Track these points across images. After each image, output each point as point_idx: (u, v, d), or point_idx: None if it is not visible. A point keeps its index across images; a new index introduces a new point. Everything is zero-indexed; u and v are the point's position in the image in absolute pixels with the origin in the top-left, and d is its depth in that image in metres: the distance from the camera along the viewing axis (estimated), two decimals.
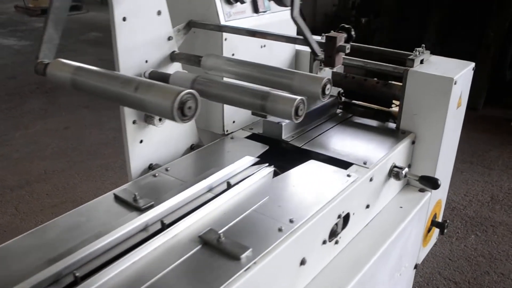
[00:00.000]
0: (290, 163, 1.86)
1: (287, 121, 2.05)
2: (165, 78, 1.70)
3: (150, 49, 1.76)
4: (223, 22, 1.94)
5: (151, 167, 1.89)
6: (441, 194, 2.43)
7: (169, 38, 1.82)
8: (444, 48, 5.72)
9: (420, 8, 6.14)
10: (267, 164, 1.82)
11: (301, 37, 1.64)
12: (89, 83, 1.42)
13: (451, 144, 2.28)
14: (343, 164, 1.85)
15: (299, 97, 1.42)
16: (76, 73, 1.46)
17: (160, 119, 1.82)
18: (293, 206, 1.56)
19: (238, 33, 1.85)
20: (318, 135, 2.10)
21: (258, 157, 1.89)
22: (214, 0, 1.91)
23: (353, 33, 1.61)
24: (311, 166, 1.83)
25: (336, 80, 2.39)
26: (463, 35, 5.89)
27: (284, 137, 2.04)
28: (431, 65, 2.13)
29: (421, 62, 2.13)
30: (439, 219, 2.50)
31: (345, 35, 1.58)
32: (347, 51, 1.56)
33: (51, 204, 4.21)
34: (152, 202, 1.56)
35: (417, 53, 2.11)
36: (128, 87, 1.31)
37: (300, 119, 1.44)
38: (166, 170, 1.81)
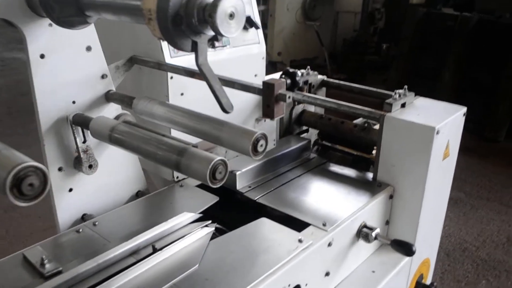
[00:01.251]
0: (239, 219, 1.62)
1: (244, 168, 1.82)
2: (86, 122, 1.49)
3: (77, 89, 1.56)
4: (168, 58, 1.72)
5: (84, 218, 1.68)
6: (428, 253, 2.12)
7: (103, 76, 1.61)
8: (464, 78, 5.36)
9: (441, 37, 5.81)
10: (209, 222, 1.58)
11: (242, 80, 1.41)
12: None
13: (439, 198, 1.99)
14: (300, 225, 1.59)
15: (218, 157, 1.18)
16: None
17: (90, 166, 1.61)
18: (224, 280, 1.31)
19: (177, 73, 1.63)
20: (281, 185, 1.84)
21: (205, 210, 1.65)
22: None
23: (298, 78, 1.37)
24: (260, 226, 1.58)
25: (311, 120, 2.15)
26: (483, 66, 5.51)
27: (239, 187, 1.80)
28: (413, 110, 1.85)
29: (403, 105, 1.86)
30: (427, 281, 2.18)
31: (285, 81, 1.34)
32: (289, 100, 1.32)
33: (42, 227, 4.07)
34: (60, 268, 1.34)
35: (397, 95, 1.84)
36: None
37: (219, 184, 1.20)
38: (94, 224, 1.59)
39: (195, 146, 1.26)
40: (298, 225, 1.60)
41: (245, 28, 1.96)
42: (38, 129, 1.53)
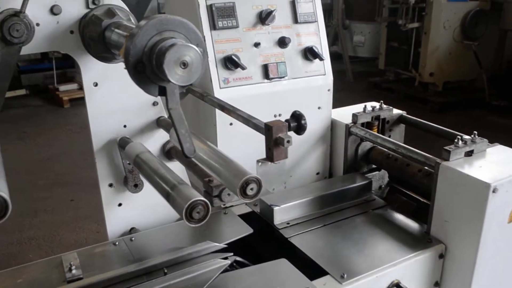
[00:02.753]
0: (271, 253, 1.62)
1: (284, 204, 1.79)
2: (124, 147, 1.63)
3: (129, 114, 1.71)
4: (217, 89, 1.78)
5: (132, 232, 1.83)
6: None
7: (155, 104, 1.74)
8: None
9: None
10: (230, 254, 1.60)
11: (255, 118, 1.40)
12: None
13: (504, 266, 1.70)
14: (321, 271, 1.52)
15: (198, 197, 1.20)
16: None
17: (135, 185, 1.75)
18: None
19: (212, 105, 1.67)
20: (322, 226, 1.77)
21: (236, 240, 1.68)
22: (208, 65, 1.77)
23: (304, 121, 1.30)
24: (277, 266, 1.55)
25: (378, 159, 2.01)
26: None
27: (276, 222, 1.78)
28: (479, 160, 1.62)
29: (469, 154, 1.64)
30: None
31: (286, 124, 1.29)
32: (288, 145, 1.27)
33: None
34: (81, 276, 1.50)
35: (459, 142, 1.63)
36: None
37: (197, 224, 1.21)
38: (131, 240, 1.72)
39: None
40: (319, 271, 1.52)
41: (308, 59, 1.93)
42: (92, 148, 1.72)
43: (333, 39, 9.03)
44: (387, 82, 7.75)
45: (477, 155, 1.65)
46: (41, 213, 4.47)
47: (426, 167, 1.77)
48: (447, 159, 1.60)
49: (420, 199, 1.90)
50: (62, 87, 7.62)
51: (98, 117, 1.67)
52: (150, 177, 1.43)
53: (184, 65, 1.00)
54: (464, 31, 6.86)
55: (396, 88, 7.48)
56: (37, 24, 1.48)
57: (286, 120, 1.31)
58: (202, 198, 1.21)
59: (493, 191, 1.47)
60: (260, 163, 1.41)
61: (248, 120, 1.41)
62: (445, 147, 1.62)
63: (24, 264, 1.61)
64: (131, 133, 1.73)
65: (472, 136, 1.67)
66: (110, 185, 1.75)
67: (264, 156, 1.33)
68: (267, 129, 1.29)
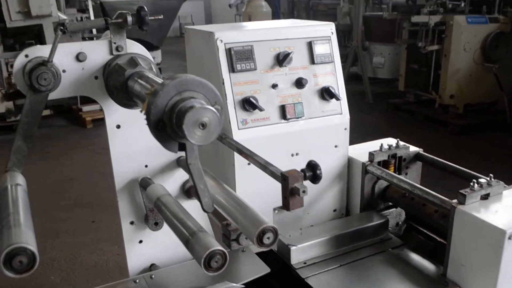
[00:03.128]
0: None
1: (301, 244, 1.81)
2: (145, 187, 1.68)
3: (150, 155, 1.76)
4: (235, 130, 1.82)
5: (151, 268, 1.87)
6: None
7: None
8: None
9: None
10: None
11: (272, 165, 1.44)
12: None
13: None
14: None
15: (217, 247, 1.23)
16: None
17: (156, 224, 1.79)
18: None
19: (230, 147, 1.71)
20: (339, 266, 1.78)
21: (253, 280, 1.70)
22: (227, 107, 1.82)
23: (319, 171, 1.33)
24: None
25: (394, 197, 2.02)
26: None
27: (293, 262, 1.80)
28: (495, 204, 1.63)
29: (485, 197, 1.64)
30: None
31: (302, 174, 1.31)
32: (303, 194, 1.30)
33: None
34: None
35: (475, 185, 1.64)
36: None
37: (214, 273, 1.24)
38: (151, 277, 1.76)
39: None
40: None
41: (325, 99, 1.96)
42: (114, 188, 1.77)
43: (352, 60, 9.06)
44: (407, 104, 7.72)
45: (493, 198, 1.65)
46: (62, 234, 4.55)
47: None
48: (463, 203, 1.61)
49: (437, 238, 1.90)
50: (85, 108, 7.77)
51: (120, 157, 1.72)
52: (170, 221, 1.47)
53: (203, 126, 1.04)
54: (484, 53, 6.83)
55: (416, 110, 7.45)
56: (64, 71, 1.54)
57: (302, 170, 1.34)
58: (221, 248, 1.24)
59: (509, 238, 1.47)
60: (276, 211, 1.43)
61: (265, 167, 1.45)
62: (461, 191, 1.63)
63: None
64: (152, 172, 1.78)
65: (489, 179, 1.67)
66: (131, 222, 1.80)
67: (281, 198, 1.36)
68: (283, 179, 1.32)
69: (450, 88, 6.96)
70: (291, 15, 11.73)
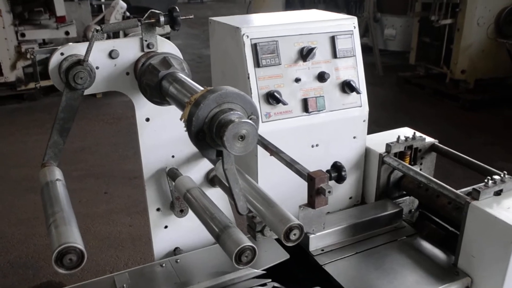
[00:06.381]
0: (299, 282, 1.73)
1: (320, 232, 1.90)
2: (175, 178, 1.76)
3: (177, 146, 1.84)
4: (259, 123, 1.88)
5: (175, 252, 1.98)
6: None
7: None
8: None
9: None
10: (269, 280, 1.73)
11: (298, 164, 1.51)
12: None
13: None
14: None
15: (247, 243, 1.32)
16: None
17: (181, 211, 1.89)
18: None
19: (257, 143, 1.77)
20: (355, 254, 1.88)
21: (273, 266, 1.81)
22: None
23: (344, 173, 1.41)
24: None
25: (409, 187, 2.10)
26: None
27: (311, 249, 1.90)
28: (506, 200, 1.70)
29: (498, 193, 1.72)
30: None
31: (328, 175, 1.39)
32: (329, 194, 1.38)
33: None
34: None
35: (489, 181, 1.71)
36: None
37: (244, 267, 1.34)
38: (176, 261, 1.86)
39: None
40: None
41: (346, 92, 2.02)
42: (142, 176, 1.86)
43: (363, 31, 8.99)
44: (418, 78, 7.72)
45: (506, 194, 1.73)
46: (75, 205, 4.63)
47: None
48: (477, 199, 1.69)
49: (449, 228, 1.99)
50: None
51: (149, 148, 1.80)
52: (200, 215, 1.55)
53: (242, 138, 1.11)
54: (498, 28, 6.77)
55: (426, 84, 7.45)
56: (97, 67, 1.61)
57: (327, 171, 1.42)
58: (251, 244, 1.33)
59: None
60: (302, 208, 1.52)
61: (291, 165, 1.52)
62: (475, 187, 1.71)
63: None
64: (178, 162, 1.86)
65: (502, 175, 1.74)
66: (158, 209, 1.89)
67: (302, 191, 1.44)
68: (309, 179, 1.40)
69: (461, 62, 6.95)
70: None
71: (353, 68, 2.03)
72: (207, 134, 1.16)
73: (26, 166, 5.40)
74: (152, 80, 1.51)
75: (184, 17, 1.56)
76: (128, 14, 7.64)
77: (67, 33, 7.30)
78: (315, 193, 1.39)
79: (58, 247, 1.14)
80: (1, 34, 7.05)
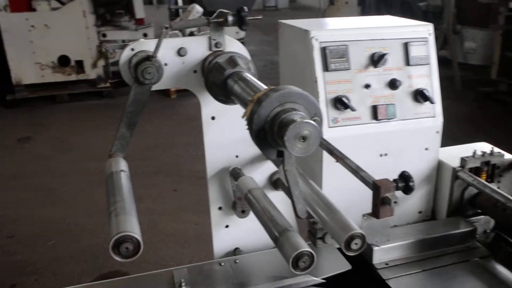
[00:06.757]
0: None
1: (385, 245, 1.81)
2: (237, 178, 1.75)
3: (241, 145, 1.83)
4: (326, 127, 1.84)
5: (235, 252, 1.96)
6: None
7: None
8: None
9: None
10: None
11: (362, 170, 1.44)
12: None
13: None
14: None
15: (305, 248, 1.28)
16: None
17: (243, 211, 1.87)
18: None
19: (320, 146, 1.72)
20: (421, 271, 1.77)
21: (333, 276, 1.75)
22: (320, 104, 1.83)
23: (412, 183, 1.32)
24: None
25: (484, 205, 1.96)
26: None
27: (375, 262, 1.81)
28: None
29: None
30: None
31: (395, 185, 1.31)
32: (395, 205, 1.30)
33: None
34: None
35: None
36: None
37: (301, 273, 1.29)
38: (235, 262, 1.84)
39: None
40: None
41: (418, 101, 1.92)
42: (206, 174, 1.86)
43: (442, 43, 8.64)
44: (499, 94, 7.30)
45: None
46: (145, 200, 4.80)
47: None
48: None
49: None
50: None
51: (213, 147, 1.80)
52: (260, 216, 1.53)
53: (304, 139, 1.07)
54: None
55: (508, 101, 7.03)
56: (166, 64, 1.63)
57: (394, 180, 1.34)
58: (309, 249, 1.28)
59: None
60: (365, 217, 1.45)
61: (356, 172, 1.46)
62: None
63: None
64: (242, 162, 1.84)
65: None
66: (220, 208, 1.89)
67: (367, 201, 1.37)
68: (375, 188, 1.33)
69: None
70: None
71: (427, 77, 1.94)
72: (268, 133, 1.13)
73: (101, 159, 5.68)
74: (218, 78, 1.51)
75: (252, 18, 1.55)
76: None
77: (145, 35, 7.61)
78: (380, 202, 1.32)
79: (116, 235, 1.16)
80: (84, 34, 7.46)
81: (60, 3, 7.45)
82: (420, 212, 2.11)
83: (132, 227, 1.19)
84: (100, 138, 6.26)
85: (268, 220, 1.47)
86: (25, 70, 7.32)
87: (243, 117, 1.20)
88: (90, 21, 7.46)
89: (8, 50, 7.20)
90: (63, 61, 7.55)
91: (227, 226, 1.92)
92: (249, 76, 1.45)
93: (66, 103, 7.79)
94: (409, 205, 2.07)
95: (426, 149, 1.99)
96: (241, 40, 7.18)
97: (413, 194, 2.03)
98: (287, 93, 1.12)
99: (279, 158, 1.18)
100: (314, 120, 1.13)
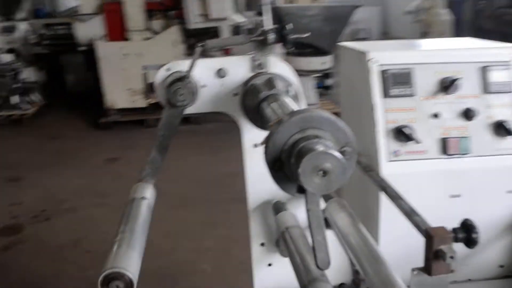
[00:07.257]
0: None
1: None
2: (277, 211, 1.58)
3: None
4: (384, 161, 1.60)
5: None
6: None
7: None
8: None
9: None
10: None
11: (416, 215, 1.20)
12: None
13: None
14: None
15: None
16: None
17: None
18: None
19: (374, 183, 1.49)
20: None
21: None
22: (377, 135, 1.61)
23: (475, 235, 1.06)
24: None
25: None
26: None
27: None
28: None
29: None
30: None
31: (453, 235, 1.05)
32: (451, 261, 1.04)
33: None
34: None
35: None
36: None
37: None
38: None
39: None
40: None
41: (499, 135, 1.63)
42: (247, 207, 1.71)
43: None
44: None
45: None
46: (220, 226, 4.72)
47: None
48: None
49: None
50: None
51: (256, 177, 1.65)
52: (292, 257, 1.36)
53: (324, 173, 0.87)
54: None
55: None
56: (204, 86, 1.51)
57: (453, 230, 1.09)
58: None
59: None
60: (415, 272, 1.20)
61: (409, 215, 1.22)
62: None
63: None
64: (286, 195, 1.65)
65: None
66: (262, 244, 1.72)
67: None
68: (427, 237, 1.09)
69: None
70: (473, 23, 10.67)
71: (510, 107, 1.64)
72: (286, 164, 0.95)
73: (180, 183, 5.73)
74: (253, 101, 1.36)
75: (296, 36, 1.38)
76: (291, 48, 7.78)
77: None
78: (433, 256, 1.07)
79: (106, 271, 1.03)
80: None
81: (153, 33, 7.77)
82: (501, 266, 1.78)
83: (128, 264, 1.06)
84: (182, 161, 6.35)
85: (301, 263, 1.28)
86: (118, 95, 7.66)
87: (262, 143, 1.03)
88: (180, 51, 7.69)
89: (104, 76, 7.60)
90: (153, 87, 7.81)
91: (269, 265, 1.74)
92: (284, 99, 1.28)
93: (153, 128, 8.05)
94: (487, 256, 1.75)
95: (509, 192, 1.68)
96: (326, 71, 6.99)
97: (493, 244, 1.74)
98: (308, 116, 0.93)
99: (299, 195, 0.98)
100: (343, 152, 0.93)
